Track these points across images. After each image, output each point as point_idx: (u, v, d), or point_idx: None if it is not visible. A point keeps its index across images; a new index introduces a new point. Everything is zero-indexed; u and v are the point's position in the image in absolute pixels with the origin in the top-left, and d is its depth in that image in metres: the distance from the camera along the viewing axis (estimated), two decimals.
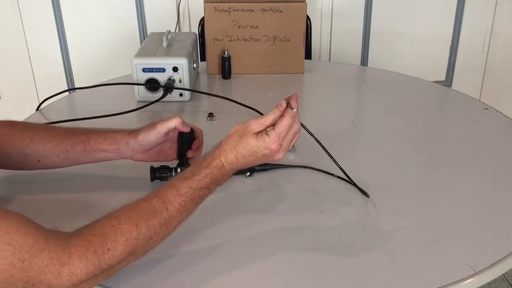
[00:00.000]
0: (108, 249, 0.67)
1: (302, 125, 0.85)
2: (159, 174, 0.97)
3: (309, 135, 0.92)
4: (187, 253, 0.82)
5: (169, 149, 0.99)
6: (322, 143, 0.94)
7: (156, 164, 0.98)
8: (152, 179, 0.97)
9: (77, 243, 0.66)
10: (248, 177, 1.01)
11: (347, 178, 0.98)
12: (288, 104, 0.79)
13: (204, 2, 1.52)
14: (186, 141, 0.97)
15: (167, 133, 0.94)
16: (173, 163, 0.98)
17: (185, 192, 0.75)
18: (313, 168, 1.03)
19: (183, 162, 0.97)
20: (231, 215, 0.91)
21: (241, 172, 0.98)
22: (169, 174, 0.97)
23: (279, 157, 0.81)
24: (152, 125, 0.94)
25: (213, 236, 0.86)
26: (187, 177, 0.77)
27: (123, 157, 0.95)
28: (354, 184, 0.97)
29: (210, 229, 0.87)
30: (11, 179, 1.03)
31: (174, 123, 0.93)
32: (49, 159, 0.92)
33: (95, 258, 0.66)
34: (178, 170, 0.97)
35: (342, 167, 0.97)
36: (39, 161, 0.92)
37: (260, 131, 0.79)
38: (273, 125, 0.79)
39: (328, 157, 0.96)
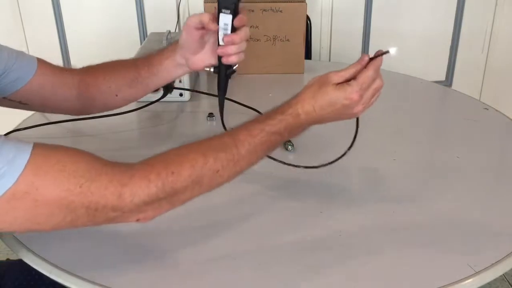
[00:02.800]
0: (172, 172, 0.66)
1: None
2: None
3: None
4: (187, 252, 0.82)
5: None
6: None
7: None
8: None
9: (139, 167, 0.66)
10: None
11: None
12: (372, 59, 0.77)
13: (204, 2, 1.52)
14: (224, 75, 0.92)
15: (201, 29, 0.88)
16: None
17: (257, 134, 0.73)
18: (310, 167, 1.03)
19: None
20: (229, 215, 0.91)
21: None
22: None
23: (358, 110, 0.77)
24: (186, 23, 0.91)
25: (211, 236, 0.86)
26: (260, 120, 0.75)
27: (183, 70, 0.94)
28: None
29: (208, 229, 0.87)
30: None
31: (202, 17, 0.87)
32: (124, 92, 0.95)
33: (158, 180, 0.65)
34: None
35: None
36: (116, 95, 0.95)
37: (340, 83, 0.76)
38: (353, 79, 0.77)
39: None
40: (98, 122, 1.19)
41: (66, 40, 2.14)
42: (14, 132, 1.18)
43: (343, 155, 0.94)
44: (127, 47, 1.94)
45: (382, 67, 0.78)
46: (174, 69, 0.93)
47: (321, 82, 0.76)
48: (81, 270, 0.76)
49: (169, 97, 1.34)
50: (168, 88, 1.33)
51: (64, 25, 2.11)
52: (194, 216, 0.81)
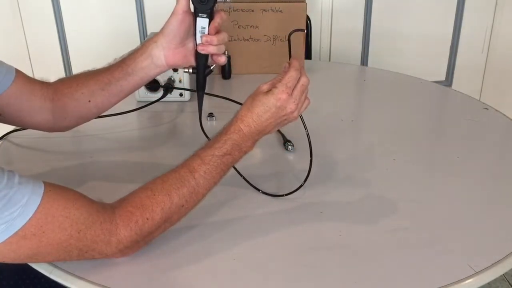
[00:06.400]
0: (147, 219, 0.75)
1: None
2: None
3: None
4: (186, 252, 0.82)
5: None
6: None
7: None
8: None
9: (121, 214, 0.74)
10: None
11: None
12: (289, 63, 0.84)
13: None
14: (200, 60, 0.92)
15: (187, 14, 0.90)
16: None
17: (209, 160, 0.79)
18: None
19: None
20: (229, 215, 0.91)
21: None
22: None
23: (292, 109, 0.82)
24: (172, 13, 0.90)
25: (211, 236, 0.86)
26: (210, 145, 0.81)
27: (159, 66, 0.91)
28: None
29: (208, 229, 0.87)
30: None
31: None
32: (97, 97, 0.94)
33: (137, 227, 0.74)
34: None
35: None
36: (89, 101, 0.94)
37: (270, 90, 0.83)
38: None
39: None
40: (98, 122, 1.18)
41: (66, 40, 2.14)
42: (15, 132, 1.18)
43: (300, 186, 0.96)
44: (127, 47, 1.93)
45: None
46: (149, 67, 0.91)
47: (254, 94, 0.84)
48: (81, 270, 0.76)
49: (169, 97, 1.34)
50: (168, 88, 1.33)
51: (64, 25, 2.11)
52: (193, 216, 0.81)
